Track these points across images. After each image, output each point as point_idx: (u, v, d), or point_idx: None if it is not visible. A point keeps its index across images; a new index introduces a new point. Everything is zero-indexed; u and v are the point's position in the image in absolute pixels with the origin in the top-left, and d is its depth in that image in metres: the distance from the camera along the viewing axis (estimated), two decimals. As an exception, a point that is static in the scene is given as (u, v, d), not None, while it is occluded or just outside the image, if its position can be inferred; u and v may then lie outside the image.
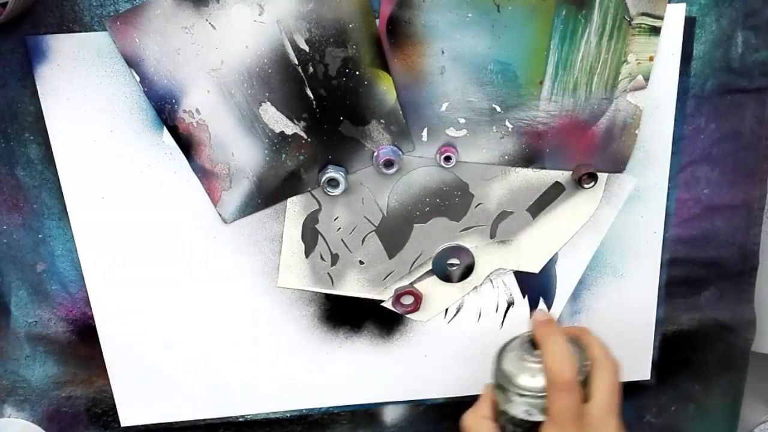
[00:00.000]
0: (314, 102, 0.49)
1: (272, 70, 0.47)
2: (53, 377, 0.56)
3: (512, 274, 0.56)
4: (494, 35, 0.48)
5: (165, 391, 0.57)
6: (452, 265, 0.55)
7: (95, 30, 0.46)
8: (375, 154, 0.51)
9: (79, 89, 0.47)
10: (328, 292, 0.55)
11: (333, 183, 0.50)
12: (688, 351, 0.61)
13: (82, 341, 0.55)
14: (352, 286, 0.55)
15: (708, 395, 0.63)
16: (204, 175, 0.50)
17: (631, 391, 0.62)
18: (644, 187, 0.54)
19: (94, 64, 0.47)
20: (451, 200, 0.53)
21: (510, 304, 0.58)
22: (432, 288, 0.56)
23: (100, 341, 0.55)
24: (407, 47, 0.48)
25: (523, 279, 0.57)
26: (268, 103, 0.48)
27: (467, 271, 0.56)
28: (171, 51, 0.46)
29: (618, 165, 0.53)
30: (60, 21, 0.45)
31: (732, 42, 0.51)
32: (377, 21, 0.47)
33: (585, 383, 0.41)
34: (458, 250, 0.55)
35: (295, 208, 0.52)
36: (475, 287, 0.57)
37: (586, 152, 0.52)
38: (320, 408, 0.60)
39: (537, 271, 0.56)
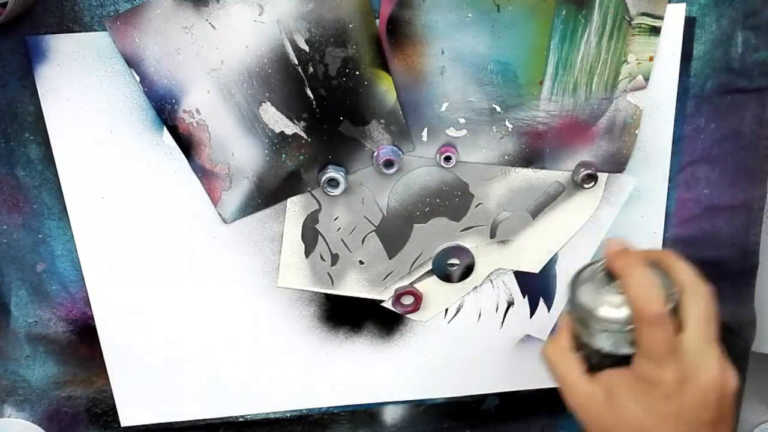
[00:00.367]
0: (314, 102, 0.49)
1: (272, 70, 0.47)
2: (53, 377, 0.56)
3: (512, 274, 0.56)
4: (494, 35, 0.48)
5: (165, 391, 0.57)
6: (452, 265, 0.55)
7: (95, 30, 0.46)
8: (375, 154, 0.51)
9: (79, 89, 0.47)
10: (328, 292, 0.55)
11: (333, 183, 0.50)
12: (688, 351, 0.61)
13: (82, 341, 0.55)
14: (352, 286, 0.55)
15: (708, 395, 0.63)
16: (204, 175, 0.50)
17: (631, 391, 0.62)
18: (644, 187, 0.54)
19: (94, 64, 0.47)
20: (451, 200, 0.53)
21: (510, 304, 0.58)
22: (432, 288, 0.56)
23: (100, 341, 0.55)
24: (407, 47, 0.48)
25: (523, 279, 0.57)
26: (268, 103, 0.48)
27: (467, 271, 0.56)
28: (171, 51, 0.46)
29: (618, 165, 0.53)
30: (60, 21, 0.45)
31: (732, 42, 0.51)
32: (377, 21, 0.47)
33: (675, 311, 0.37)
34: (458, 250, 0.55)
35: (295, 208, 0.52)
36: (475, 287, 0.57)
37: (586, 152, 0.52)
38: (320, 408, 0.60)
39: (537, 271, 0.56)
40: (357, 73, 0.48)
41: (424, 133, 0.51)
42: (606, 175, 0.54)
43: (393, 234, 0.54)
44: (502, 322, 0.58)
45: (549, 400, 0.61)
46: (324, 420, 0.60)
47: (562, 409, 0.64)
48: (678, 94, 0.52)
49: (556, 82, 0.50)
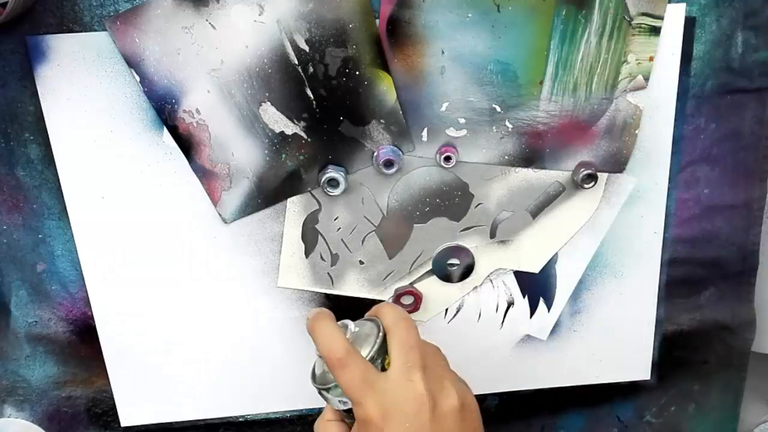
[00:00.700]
0: (314, 102, 0.49)
1: (272, 70, 0.47)
2: (53, 377, 0.56)
3: (512, 274, 0.56)
4: (494, 35, 0.48)
5: (165, 391, 0.57)
6: (452, 265, 0.55)
7: (95, 30, 0.46)
8: (375, 154, 0.51)
9: (79, 89, 0.47)
10: (328, 292, 0.55)
11: (333, 183, 0.50)
12: (688, 351, 0.61)
13: (82, 341, 0.55)
14: (352, 286, 0.55)
15: (708, 395, 0.63)
16: (204, 175, 0.50)
17: (631, 391, 0.62)
18: (644, 187, 0.54)
19: (94, 64, 0.47)
20: (451, 200, 0.53)
21: (510, 304, 0.58)
22: (432, 288, 0.56)
23: (100, 341, 0.55)
24: (407, 47, 0.48)
25: (523, 279, 0.57)
26: (268, 103, 0.48)
27: (467, 271, 0.56)
28: (171, 51, 0.46)
29: (618, 165, 0.53)
30: (60, 21, 0.45)
31: (732, 42, 0.51)
32: (377, 21, 0.47)
33: (386, 352, 0.39)
34: (458, 250, 0.55)
35: (295, 208, 0.52)
36: (475, 287, 0.57)
37: (586, 152, 0.52)
38: (320, 408, 0.60)
39: (537, 271, 0.56)
40: (357, 73, 0.48)
41: (424, 133, 0.51)
42: (606, 175, 0.54)
43: (393, 234, 0.54)
44: (502, 322, 0.58)
45: (549, 400, 0.61)
46: (324, 420, 0.60)
47: (562, 409, 0.64)
48: (678, 94, 0.52)
49: (556, 82, 0.50)
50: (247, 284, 0.54)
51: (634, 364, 0.61)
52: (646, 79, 0.50)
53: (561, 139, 0.52)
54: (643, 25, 0.49)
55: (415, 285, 0.56)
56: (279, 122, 0.49)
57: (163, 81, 0.47)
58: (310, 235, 0.53)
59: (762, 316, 0.60)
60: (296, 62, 0.47)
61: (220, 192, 0.51)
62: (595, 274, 0.57)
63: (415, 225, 0.54)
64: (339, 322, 0.41)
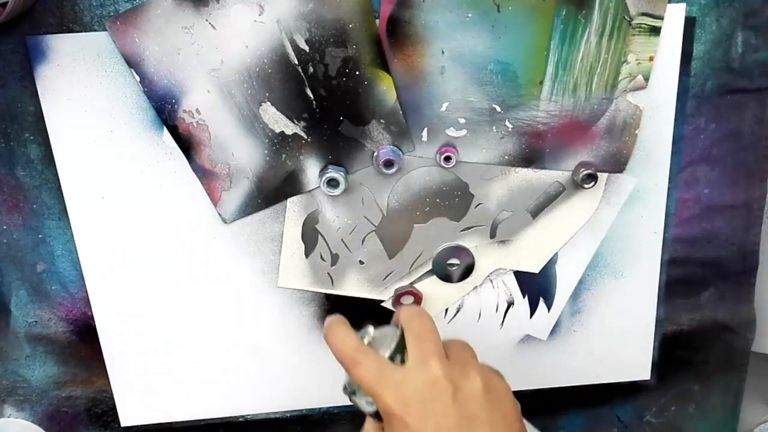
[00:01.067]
0: (314, 102, 0.49)
1: (272, 70, 0.47)
2: (53, 377, 0.56)
3: (512, 274, 0.56)
4: (494, 35, 0.48)
5: (165, 391, 0.57)
6: (452, 265, 0.55)
7: (95, 30, 0.46)
8: (375, 154, 0.51)
9: (79, 89, 0.47)
10: (328, 292, 0.55)
11: (333, 183, 0.50)
12: (688, 351, 0.61)
13: (82, 341, 0.55)
14: (352, 286, 0.55)
15: (708, 395, 0.63)
16: (204, 175, 0.50)
17: (631, 391, 0.62)
18: (644, 187, 0.54)
19: (94, 64, 0.47)
20: (451, 200, 0.53)
21: (510, 304, 0.58)
22: (432, 288, 0.56)
23: (100, 341, 0.55)
24: (407, 47, 0.48)
25: (523, 279, 0.57)
26: (268, 103, 0.48)
27: (467, 271, 0.56)
28: (171, 51, 0.46)
29: (618, 165, 0.53)
30: (60, 21, 0.46)
31: (732, 42, 0.51)
32: (377, 21, 0.47)
33: (406, 348, 0.39)
34: (458, 250, 0.55)
35: (295, 208, 0.52)
36: (475, 287, 0.57)
37: (586, 152, 0.52)
38: (320, 408, 0.60)
39: (537, 271, 0.56)
40: (357, 73, 0.48)
41: (424, 133, 0.51)
42: (606, 175, 0.54)
43: (393, 234, 0.54)
44: (502, 322, 0.58)
45: (549, 400, 0.61)
46: (324, 420, 0.60)
47: (562, 409, 0.64)
48: (678, 94, 0.52)
49: (556, 82, 0.50)
50: (247, 284, 0.54)
51: (634, 364, 0.61)
52: (646, 79, 0.50)
53: (561, 139, 0.52)
54: (643, 25, 0.49)
55: (415, 285, 0.56)
56: (279, 122, 0.49)
57: (163, 81, 0.47)
58: (310, 235, 0.53)
59: (762, 316, 0.60)
60: (296, 62, 0.47)
61: (220, 192, 0.51)
62: (595, 274, 0.57)
63: (415, 225, 0.54)
64: (362, 328, 0.41)
